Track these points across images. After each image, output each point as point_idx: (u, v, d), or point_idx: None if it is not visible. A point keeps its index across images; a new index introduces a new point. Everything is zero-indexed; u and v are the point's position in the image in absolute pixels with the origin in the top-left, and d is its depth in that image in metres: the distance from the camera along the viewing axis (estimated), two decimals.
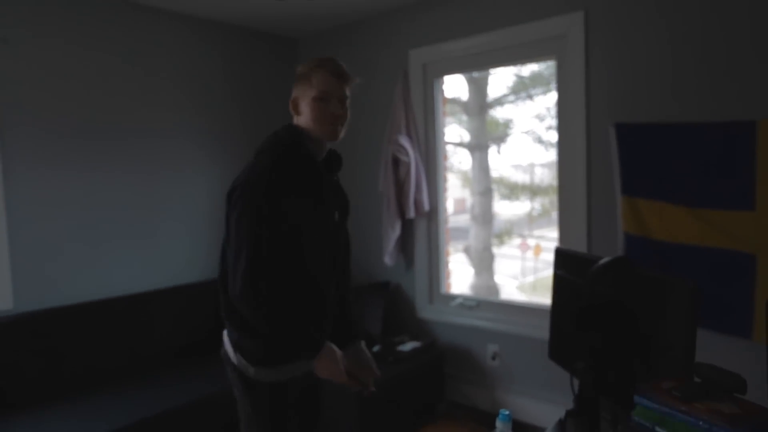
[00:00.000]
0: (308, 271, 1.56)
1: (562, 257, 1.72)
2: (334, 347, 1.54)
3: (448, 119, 3.47)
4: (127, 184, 3.06)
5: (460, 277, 3.65)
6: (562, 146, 2.81)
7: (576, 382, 1.50)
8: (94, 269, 2.92)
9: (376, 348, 3.03)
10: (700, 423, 0.95)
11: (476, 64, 3.16)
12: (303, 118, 1.59)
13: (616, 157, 2.50)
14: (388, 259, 3.35)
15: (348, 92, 1.62)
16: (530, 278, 4.41)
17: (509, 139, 3.74)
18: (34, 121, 2.71)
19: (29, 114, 2.69)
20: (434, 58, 3.24)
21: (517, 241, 4.26)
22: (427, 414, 3.08)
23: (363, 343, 1.77)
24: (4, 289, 2.59)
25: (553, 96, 2.86)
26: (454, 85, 3.53)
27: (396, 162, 3.25)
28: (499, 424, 1.16)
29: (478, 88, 3.71)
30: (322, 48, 3.83)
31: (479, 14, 3.02)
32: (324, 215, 1.61)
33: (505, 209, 4.02)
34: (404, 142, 3.19)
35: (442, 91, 3.34)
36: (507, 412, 1.17)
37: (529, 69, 3.29)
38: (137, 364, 2.84)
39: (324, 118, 1.55)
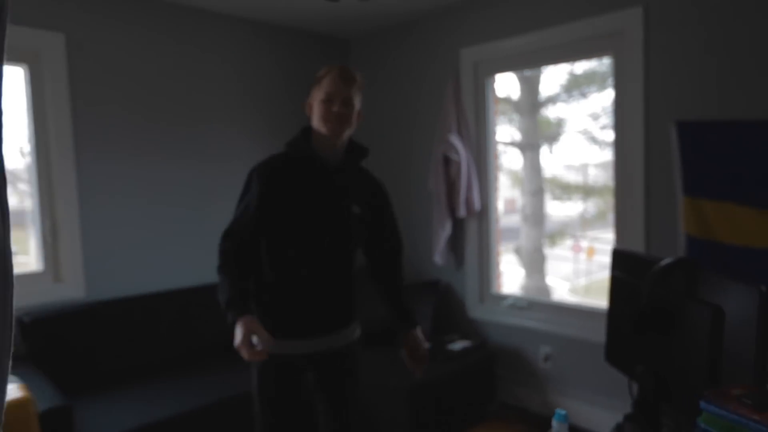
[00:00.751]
0: (289, 253, 1.70)
1: (619, 258, 1.68)
2: (251, 319, 1.59)
3: (499, 118, 3.44)
4: (191, 180, 3.21)
5: (510, 278, 3.62)
6: (619, 145, 2.74)
7: (635, 387, 1.47)
8: (160, 261, 3.07)
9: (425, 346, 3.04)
10: None
11: (529, 62, 3.12)
12: (313, 119, 1.73)
13: (677, 157, 2.41)
14: (438, 258, 3.35)
15: (355, 95, 1.71)
16: (583, 281, 4.30)
17: (562, 139, 3.66)
18: (105, 120, 2.88)
19: (101, 113, 2.87)
20: (486, 57, 3.22)
21: (569, 242, 4.17)
22: (477, 414, 3.07)
23: (419, 330, 1.87)
24: (77, 279, 2.76)
25: (608, 94, 2.78)
26: (506, 84, 3.49)
27: (447, 161, 3.25)
28: (555, 424, 1.15)
29: (530, 87, 3.65)
30: (374, 49, 3.88)
31: (533, 11, 2.98)
32: (320, 206, 1.71)
33: (557, 210, 3.94)
34: (455, 140, 3.19)
35: (494, 89, 3.32)
36: (563, 412, 1.15)
37: (582, 66, 3.21)
38: (196, 355, 2.96)
39: (327, 117, 1.68)
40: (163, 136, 3.09)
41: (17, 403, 1.82)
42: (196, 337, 3.01)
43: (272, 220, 1.69)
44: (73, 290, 2.75)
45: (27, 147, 2.72)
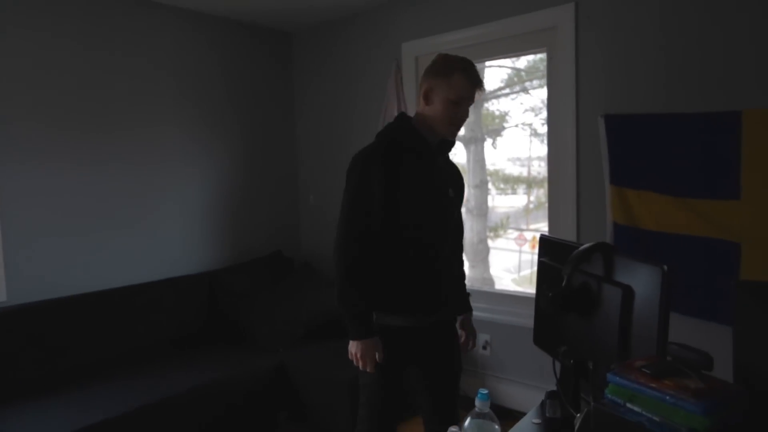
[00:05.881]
0: (418, 237, 1.74)
1: (545, 244, 1.75)
2: (373, 342, 1.70)
3: None
4: (121, 177, 3.09)
5: None
6: (553, 138, 2.84)
7: (558, 366, 1.54)
8: (88, 262, 2.95)
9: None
10: (667, 398, 0.98)
11: (468, 57, 3.16)
12: (431, 110, 1.72)
13: (604, 148, 2.52)
14: None
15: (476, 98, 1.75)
16: (527, 271, 4.43)
17: (505, 133, 3.75)
18: (26, 116, 2.73)
19: (22, 110, 2.71)
20: (426, 51, 3.26)
21: (513, 234, 4.28)
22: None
23: (471, 314, 2.03)
24: None
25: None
26: None
27: None
28: (477, 403, 1.19)
29: None
30: (316, 42, 3.85)
31: (471, 6, 3.04)
32: (431, 190, 1.77)
33: (501, 202, 4.04)
34: None
35: None
36: (485, 391, 1.19)
37: (524, 61, 3.30)
38: (132, 356, 2.88)
39: (452, 120, 1.71)
40: (91, 134, 2.96)
41: None
42: (131, 338, 2.93)
43: (388, 205, 1.69)
44: None
45: None
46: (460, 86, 1.67)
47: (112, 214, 3.05)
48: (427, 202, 1.75)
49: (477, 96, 1.73)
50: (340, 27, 3.70)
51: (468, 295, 2.05)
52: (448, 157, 1.91)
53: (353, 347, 1.72)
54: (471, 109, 1.80)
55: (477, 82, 1.70)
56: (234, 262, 3.58)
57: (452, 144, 1.86)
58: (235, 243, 3.65)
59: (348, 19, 3.64)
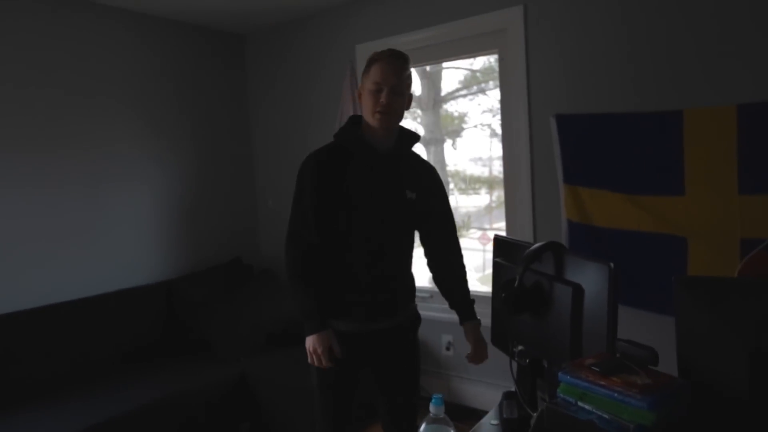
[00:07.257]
0: (357, 243, 1.71)
1: (499, 245, 1.76)
2: (325, 336, 1.68)
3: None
4: (69, 189, 2.96)
5: (417, 270, 3.68)
6: (507, 139, 2.87)
7: (515, 366, 1.55)
8: (37, 277, 2.81)
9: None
10: (615, 395, 0.99)
11: (422, 59, 3.19)
12: (362, 107, 1.72)
13: (557, 148, 2.57)
14: None
15: (404, 81, 1.69)
16: (491, 270, 4.47)
17: (464, 134, 3.78)
18: None
19: None
20: None
21: (476, 233, 4.32)
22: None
23: (480, 323, 1.97)
24: None
25: None
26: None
27: None
28: (432, 408, 1.18)
29: (432, 83, 3.74)
30: (271, 44, 3.80)
31: (423, 9, 3.05)
32: (374, 193, 1.72)
33: (464, 202, 4.07)
34: None
35: None
36: (440, 396, 1.19)
37: (480, 62, 3.33)
38: (83, 372, 2.76)
39: (372, 108, 1.67)
40: (36, 149, 2.82)
41: None
42: (81, 353, 2.81)
43: (328, 211, 1.69)
44: None
45: None
46: (375, 74, 1.67)
47: (61, 228, 2.92)
48: (366, 206, 1.71)
49: (401, 80, 1.67)
50: (294, 29, 3.66)
51: (470, 302, 1.98)
52: (415, 156, 1.87)
53: (307, 342, 1.71)
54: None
55: (391, 63, 1.66)
56: (192, 270, 3.49)
57: (410, 143, 1.82)
58: (193, 251, 3.56)
59: (302, 20, 3.60)
